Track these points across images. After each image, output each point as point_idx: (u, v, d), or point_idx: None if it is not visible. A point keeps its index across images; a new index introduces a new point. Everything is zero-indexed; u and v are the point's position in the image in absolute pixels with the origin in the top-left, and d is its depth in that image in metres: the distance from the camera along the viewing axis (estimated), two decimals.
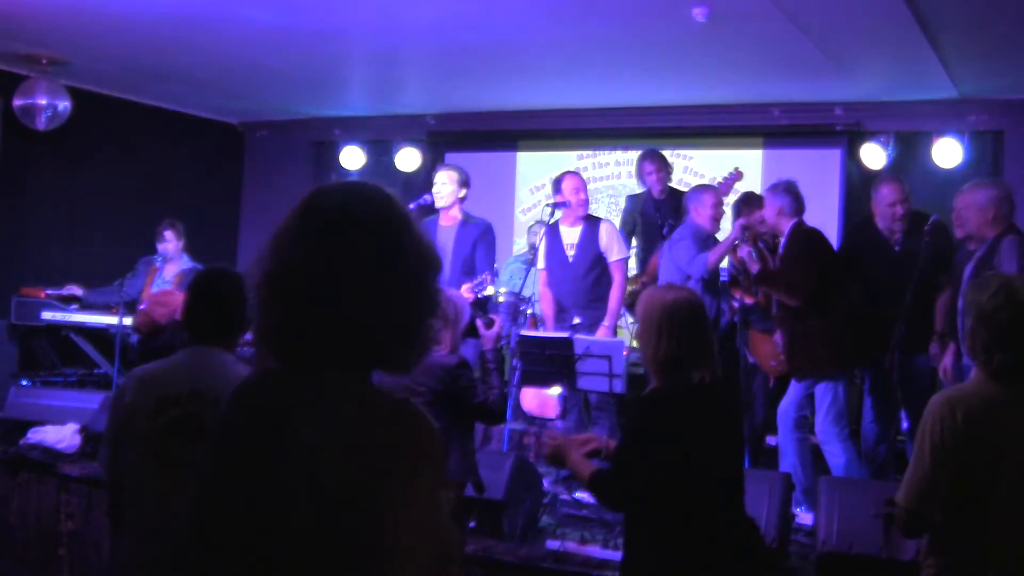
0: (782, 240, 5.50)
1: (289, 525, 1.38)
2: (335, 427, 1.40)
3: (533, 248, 6.49)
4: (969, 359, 2.82)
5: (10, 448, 5.79)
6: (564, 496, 5.17)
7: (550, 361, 5.24)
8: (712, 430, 2.88)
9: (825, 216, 7.13)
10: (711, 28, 5.51)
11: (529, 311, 6.35)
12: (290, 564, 1.38)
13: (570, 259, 6.10)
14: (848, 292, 5.45)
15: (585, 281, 6.06)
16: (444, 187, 6.11)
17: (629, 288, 6.27)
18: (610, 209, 8.18)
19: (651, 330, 2.93)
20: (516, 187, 8.91)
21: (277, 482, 1.40)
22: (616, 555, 3.94)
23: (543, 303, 6.23)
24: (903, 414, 5.58)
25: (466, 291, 5.26)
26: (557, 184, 6.14)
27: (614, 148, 8.53)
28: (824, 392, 5.23)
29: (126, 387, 2.87)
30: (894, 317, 5.17)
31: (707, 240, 5.82)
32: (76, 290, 7.35)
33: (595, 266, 6.05)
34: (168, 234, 7.14)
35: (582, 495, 4.91)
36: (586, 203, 6.17)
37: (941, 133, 7.20)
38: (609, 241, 6.08)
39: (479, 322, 4.25)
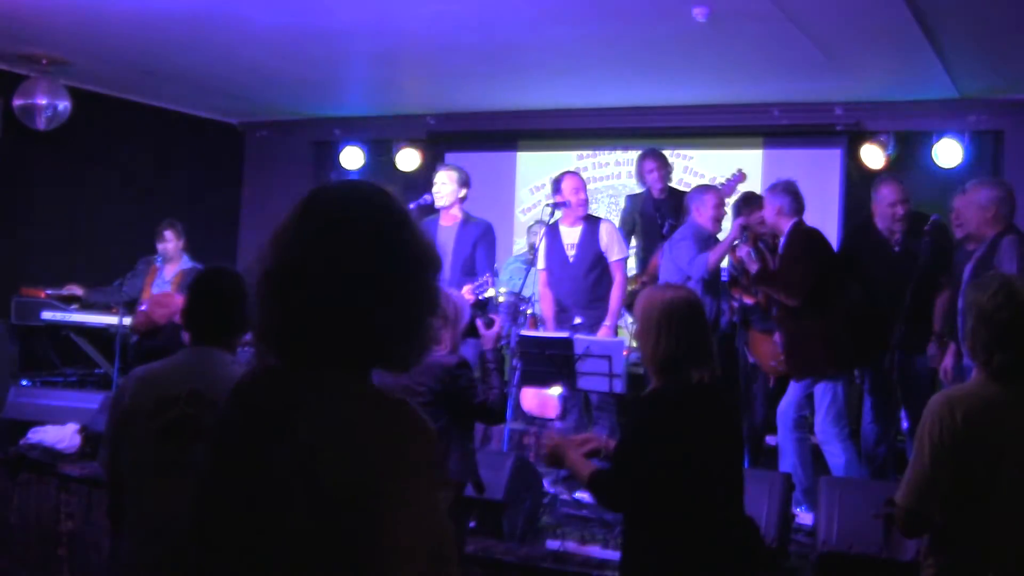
0: (782, 240, 5.50)
1: (287, 524, 1.38)
2: (333, 427, 1.40)
3: (533, 248, 6.49)
4: (970, 359, 2.82)
5: (10, 448, 5.79)
6: (564, 496, 5.17)
7: (550, 361, 5.24)
8: (712, 430, 2.88)
9: (825, 216, 7.13)
10: (711, 28, 5.51)
11: (529, 311, 6.35)
12: (288, 564, 1.38)
13: (571, 259, 6.10)
14: (848, 292, 5.46)
15: (586, 281, 6.06)
16: (444, 187, 6.11)
17: (629, 288, 6.26)
18: (610, 209, 8.18)
19: (650, 329, 2.92)
20: (516, 187, 8.91)
21: (275, 481, 1.40)
22: (616, 555, 3.94)
23: (543, 303, 6.22)
24: (903, 414, 5.58)
25: (467, 292, 5.26)
26: (557, 184, 6.14)
27: (614, 148, 8.53)
28: (823, 392, 5.23)
29: (125, 387, 2.86)
30: (894, 317, 5.17)
31: (708, 240, 5.82)
32: (76, 290, 7.35)
33: (596, 266, 6.05)
34: (168, 234, 7.14)
35: (582, 495, 4.91)
36: (586, 203, 6.17)
37: (941, 133, 7.20)
38: (610, 241, 6.08)
39: (479, 322, 4.25)
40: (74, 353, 7.49)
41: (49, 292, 7.34)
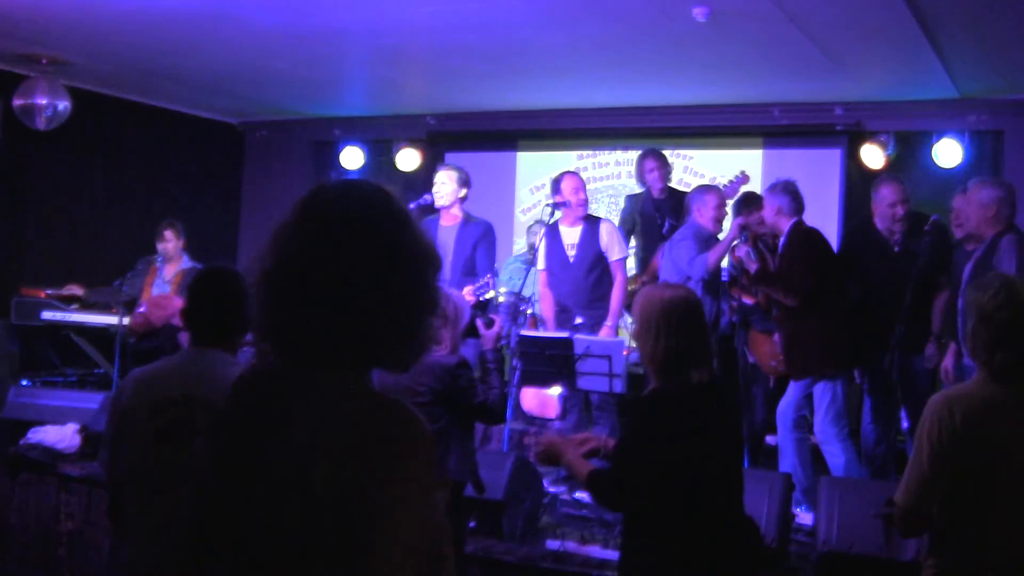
0: (781, 240, 5.50)
1: (284, 524, 1.38)
2: (330, 427, 1.40)
3: (533, 248, 6.49)
4: (970, 359, 2.82)
5: (10, 448, 5.79)
6: (564, 496, 5.17)
7: (550, 361, 5.24)
8: (711, 430, 2.88)
9: (825, 216, 7.13)
10: (711, 28, 5.51)
11: (529, 311, 6.35)
12: (286, 563, 1.38)
13: (571, 259, 6.10)
14: (847, 292, 5.46)
15: (586, 281, 6.06)
16: (444, 187, 6.10)
17: (629, 288, 6.26)
18: (610, 209, 8.18)
19: (649, 328, 2.92)
20: (516, 187, 8.91)
21: (272, 481, 1.40)
22: (616, 555, 3.93)
23: (543, 304, 6.22)
24: (903, 414, 5.58)
25: (468, 294, 5.26)
26: (556, 184, 6.14)
27: (614, 148, 8.53)
28: (823, 392, 5.23)
29: (124, 388, 2.87)
30: (894, 317, 5.17)
31: (709, 241, 5.81)
32: (76, 290, 7.35)
33: (596, 266, 6.05)
34: (168, 234, 7.14)
35: (582, 495, 4.91)
36: (586, 203, 6.16)
37: (941, 133, 7.20)
38: (610, 241, 6.08)
39: (479, 322, 4.25)
40: (74, 353, 7.49)
41: (49, 292, 7.34)
